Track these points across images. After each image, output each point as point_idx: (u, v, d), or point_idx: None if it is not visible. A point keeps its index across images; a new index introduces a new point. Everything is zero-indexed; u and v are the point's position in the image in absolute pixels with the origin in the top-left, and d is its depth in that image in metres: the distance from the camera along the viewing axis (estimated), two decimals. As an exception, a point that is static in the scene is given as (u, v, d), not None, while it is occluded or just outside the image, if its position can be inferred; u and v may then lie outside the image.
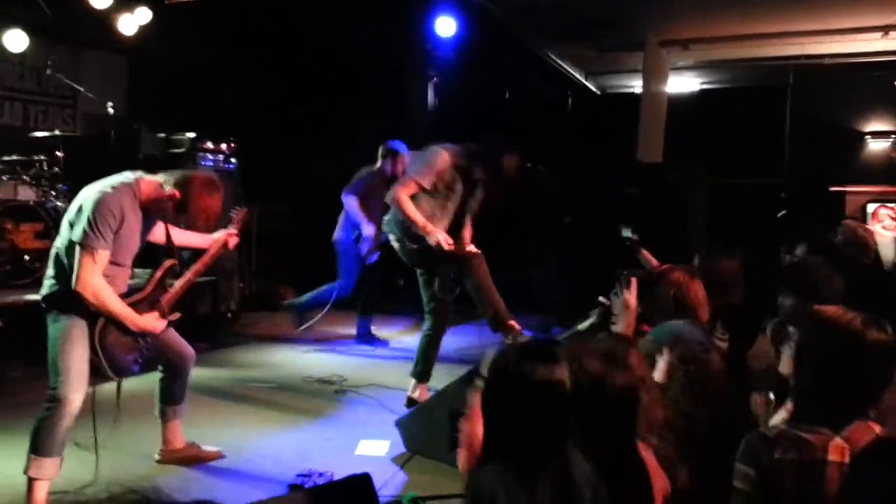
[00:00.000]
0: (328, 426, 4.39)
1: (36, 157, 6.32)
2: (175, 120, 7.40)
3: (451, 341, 6.84)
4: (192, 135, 6.99)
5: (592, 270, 6.13)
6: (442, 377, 5.04)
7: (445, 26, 7.48)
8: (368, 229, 5.99)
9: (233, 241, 3.77)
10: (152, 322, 3.32)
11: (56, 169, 6.31)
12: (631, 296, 3.08)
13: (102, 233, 3.02)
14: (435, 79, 8.34)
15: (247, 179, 7.51)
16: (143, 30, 7.41)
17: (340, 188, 6.52)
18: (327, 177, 8.81)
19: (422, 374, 4.72)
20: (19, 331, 5.32)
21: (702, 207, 8.22)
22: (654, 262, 5.08)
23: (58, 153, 6.34)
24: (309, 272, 8.28)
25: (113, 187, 3.12)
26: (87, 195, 3.10)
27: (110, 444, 3.62)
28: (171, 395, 3.66)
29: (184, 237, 3.68)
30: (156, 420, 3.71)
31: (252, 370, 5.64)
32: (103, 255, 3.05)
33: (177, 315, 3.54)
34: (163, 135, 7.14)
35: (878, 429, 1.80)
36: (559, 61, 9.66)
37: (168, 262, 3.45)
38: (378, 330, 6.98)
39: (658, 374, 2.57)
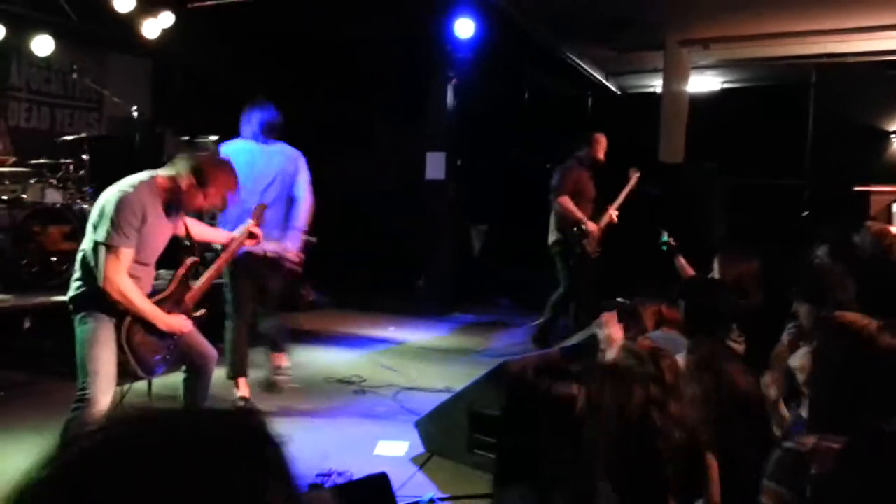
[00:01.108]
0: (347, 426, 4.43)
1: (63, 161, 6.45)
2: (198, 122, 7.49)
3: (467, 341, 6.89)
4: (215, 137, 7.06)
5: (611, 271, 6.16)
6: (460, 377, 5.08)
7: (464, 28, 7.51)
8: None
9: (253, 238, 3.80)
10: (180, 321, 3.37)
11: (82, 172, 6.43)
12: (612, 328, 3.10)
13: (126, 232, 3.07)
14: (454, 80, 8.37)
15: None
16: (167, 33, 7.51)
17: (362, 188, 6.55)
18: (349, 177, 8.90)
19: None
20: (47, 331, 5.45)
21: (723, 208, 8.18)
22: (690, 270, 5.01)
23: (84, 156, 6.46)
24: (329, 272, 8.37)
25: (133, 186, 3.17)
26: (109, 196, 3.16)
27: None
28: (194, 395, 3.71)
29: (205, 233, 3.73)
30: None
31: (267, 370, 5.69)
32: (127, 253, 3.11)
33: (202, 312, 3.60)
34: (187, 137, 7.23)
35: None
36: (579, 61, 9.64)
37: (190, 260, 3.50)
38: (398, 330, 7.04)
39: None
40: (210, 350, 3.69)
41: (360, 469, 3.45)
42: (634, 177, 6.19)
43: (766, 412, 2.77)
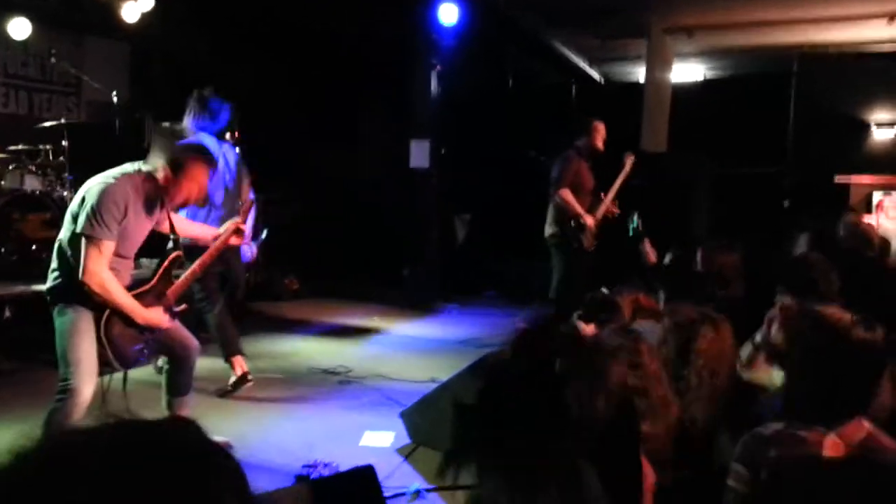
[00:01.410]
0: (333, 417, 4.43)
1: (42, 147, 6.35)
2: (179, 108, 7.37)
3: (453, 331, 6.90)
4: (195, 123, 6.98)
5: (596, 260, 6.18)
6: (445, 368, 5.09)
7: (448, 14, 7.46)
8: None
9: (239, 235, 3.79)
10: (158, 315, 3.34)
11: (61, 158, 6.34)
12: (586, 328, 3.17)
13: (108, 224, 3.05)
14: (438, 67, 8.31)
15: (251, 169, 7.51)
16: (146, 17, 7.39)
17: (346, 176, 6.52)
18: (332, 165, 8.85)
19: None
20: (29, 320, 5.38)
21: (706, 197, 8.23)
22: (653, 257, 5.06)
23: (63, 142, 6.36)
24: (314, 261, 8.35)
25: (115, 178, 3.14)
26: (91, 187, 3.13)
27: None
28: (177, 386, 3.69)
29: (189, 229, 3.70)
30: (163, 411, 3.75)
31: (257, 360, 5.66)
32: (109, 246, 3.08)
33: (184, 307, 3.58)
34: (167, 123, 7.14)
35: (869, 426, 1.83)
36: (562, 49, 9.64)
37: (174, 254, 3.48)
38: (383, 321, 7.03)
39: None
40: (192, 340, 3.67)
41: (345, 460, 3.45)
42: (629, 162, 6.16)
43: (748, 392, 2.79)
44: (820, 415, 1.84)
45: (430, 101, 8.31)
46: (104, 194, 3.07)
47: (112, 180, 3.12)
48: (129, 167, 3.25)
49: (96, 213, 3.03)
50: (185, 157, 3.31)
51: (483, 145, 10.07)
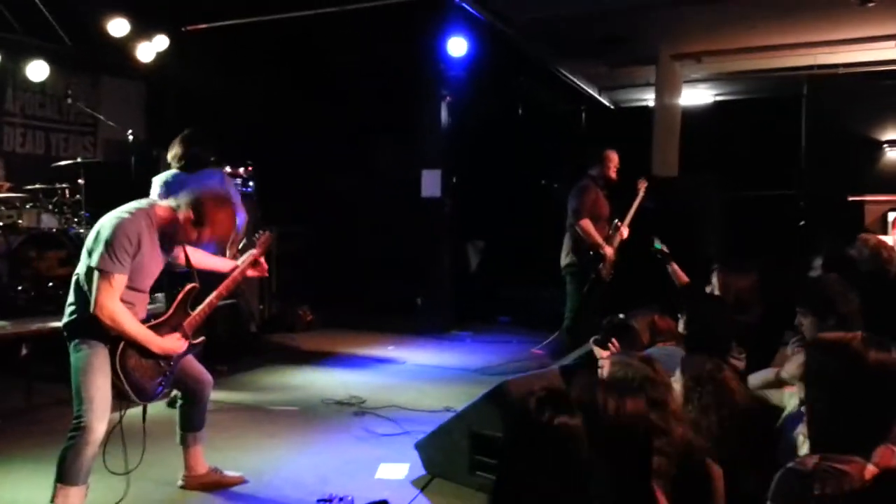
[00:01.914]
0: (348, 449, 4.40)
1: (58, 186, 6.45)
2: (193, 145, 7.50)
3: (467, 360, 6.86)
4: (210, 159, 7.06)
5: (612, 288, 6.15)
6: (460, 397, 5.06)
7: (457, 46, 7.55)
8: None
9: (258, 267, 3.79)
10: (173, 343, 3.34)
11: (78, 196, 6.43)
12: (602, 353, 3.17)
13: (119, 258, 3.06)
14: (448, 98, 8.40)
15: (265, 202, 7.59)
16: (161, 57, 7.54)
17: (358, 207, 6.57)
18: (344, 196, 8.91)
19: None
20: (45, 358, 5.42)
21: (718, 221, 8.19)
22: (683, 277, 5.05)
23: (79, 181, 6.46)
24: (327, 292, 8.37)
25: (129, 213, 3.17)
26: (105, 222, 3.16)
27: (136, 471, 3.65)
28: (191, 421, 3.69)
29: (204, 261, 3.72)
30: (177, 445, 3.75)
31: (271, 393, 5.67)
32: (120, 279, 3.09)
33: (201, 339, 3.58)
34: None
35: None
36: (571, 77, 9.70)
37: (189, 286, 3.48)
38: (397, 350, 7.01)
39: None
40: (205, 375, 3.67)
41: (361, 493, 3.42)
42: (643, 187, 6.17)
43: (766, 425, 2.76)
44: (846, 442, 1.79)
45: (441, 131, 8.39)
46: (118, 228, 3.10)
47: (126, 215, 3.16)
48: (143, 202, 3.29)
49: (109, 248, 3.06)
50: (209, 207, 3.30)
51: (494, 173, 10.12)
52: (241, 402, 5.40)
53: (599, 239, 5.84)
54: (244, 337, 6.89)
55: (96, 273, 3.07)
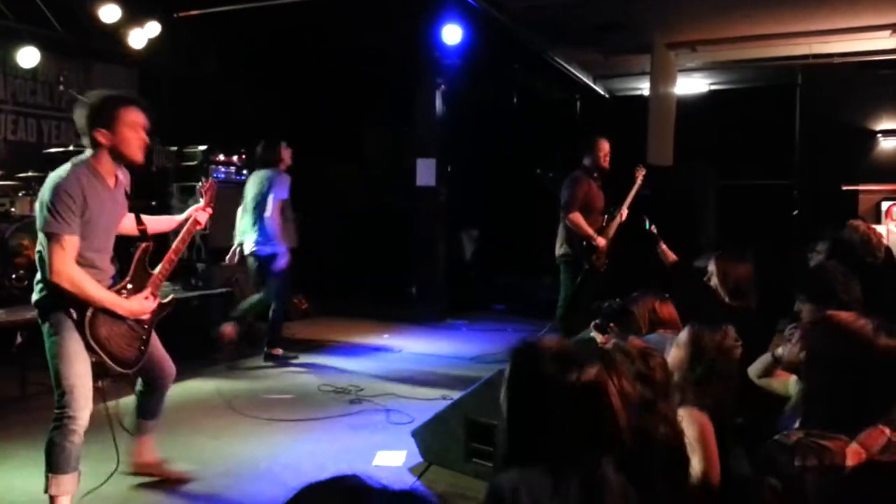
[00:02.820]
0: (345, 436, 4.41)
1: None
2: (186, 133, 7.47)
3: (463, 348, 6.88)
4: (203, 147, 7.05)
5: (608, 277, 6.16)
6: (456, 385, 5.07)
7: (452, 34, 7.52)
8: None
9: (203, 216, 3.61)
10: (141, 303, 3.23)
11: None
12: (602, 339, 3.20)
13: (65, 218, 2.92)
14: (442, 86, 8.37)
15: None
16: (153, 43, 7.47)
17: (353, 195, 6.57)
18: (339, 185, 8.89)
19: None
20: (39, 346, 5.38)
21: (713, 209, 8.22)
22: (672, 256, 5.10)
23: (72, 168, 6.40)
24: (323, 281, 8.36)
25: (66, 170, 3.02)
26: (44, 186, 3.01)
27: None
28: (147, 409, 3.60)
29: (154, 224, 3.59)
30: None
31: (268, 380, 5.68)
32: (71, 240, 2.94)
33: (170, 297, 3.50)
34: (175, 148, 7.20)
35: (889, 433, 1.81)
36: (566, 65, 9.66)
37: (143, 245, 3.35)
38: (393, 338, 7.01)
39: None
40: (170, 367, 3.56)
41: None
42: (640, 175, 6.18)
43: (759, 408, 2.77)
44: (840, 422, 1.83)
45: (436, 120, 8.37)
46: (56, 188, 2.94)
47: (62, 173, 3.00)
48: (77, 158, 3.11)
49: (52, 209, 2.91)
50: (111, 108, 3.10)
51: (489, 162, 10.10)
52: (237, 389, 5.40)
53: (590, 231, 5.85)
54: (240, 325, 6.87)
55: (44, 238, 2.94)
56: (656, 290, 3.43)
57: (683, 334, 2.58)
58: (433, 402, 4.84)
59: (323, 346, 6.86)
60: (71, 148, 6.80)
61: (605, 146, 6.01)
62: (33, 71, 7.51)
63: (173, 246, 3.47)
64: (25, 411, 4.63)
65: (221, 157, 7.19)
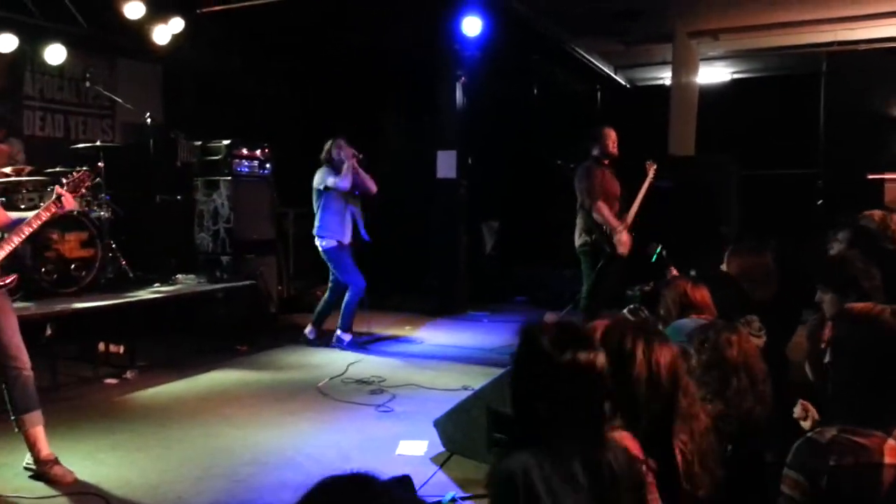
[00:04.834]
0: (367, 426, 4.46)
1: (78, 168, 6.49)
2: (210, 127, 7.56)
3: (484, 339, 6.91)
4: (227, 142, 7.13)
5: (623, 266, 6.15)
6: (477, 376, 5.11)
7: (472, 26, 7.51)
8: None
9: (67, 200, 3.56)
10: None
11: (98, 179, 6.49)
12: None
13: None
14: (463, 78, 8.37)
15: (282, 184, 7.64)
16: (177, 39, 7.55)
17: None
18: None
19: None
20: (68, 337, 5.52)
21: (736, 200, 8.15)
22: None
23: (99, 163, 6.52)
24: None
25: None
26: None
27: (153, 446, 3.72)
28: (15, 403, 3.50)
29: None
30: (203, 418, 3.71)
31: (291, 371, 5.75)
32: None
33: (12, 278, 3.48)
34: (199, 142, 7.30)
35: None
36: (587, 56, 9.62)
37: None
38: (414, 330, 7.06)
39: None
40: (20, 353, 3.49)
41: (382, 469, 3.46)
42: (651, 169, 6.15)
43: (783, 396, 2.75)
44: (872, 417, 1.78)
45: (456, 112, 8.37)
46: None
47: None
48: None
49: None
50: None
51: (510, 154, 10.09)
52: (261, 380, 5.49)
53: (615, 221, 5.85)
54: (263, 317, 6.97)
55: None
56: (690, 275, 3.39)
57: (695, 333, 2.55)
58: (455, 392, 4.88)
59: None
60: (98, 143, 6.92)
61: (611, 134, 6.03)
62: (60, 68, 7.63)
63: (17, 228, 3.45)
64: (56, 401, 4.73)
65: (244, 152, 7.26)
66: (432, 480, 3.61)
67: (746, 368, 2.39)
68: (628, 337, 2.01)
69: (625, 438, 1.86)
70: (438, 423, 4.07)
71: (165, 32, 7.44)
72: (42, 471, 3.52)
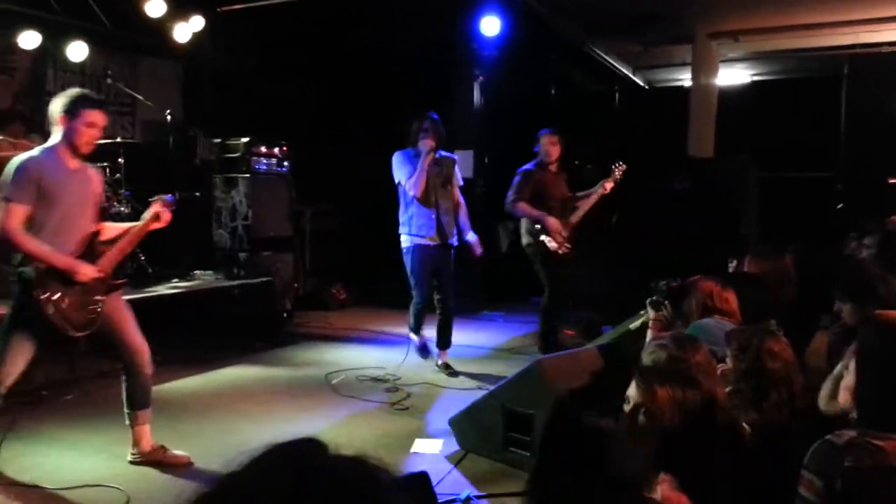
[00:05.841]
0: (383, 424, 4.47)
1: (99, 165, 6.56)
2: (229, 125, 7.60)
3: (499, 339, 6.90)
4: (245, 139, 7.16)
5: (639, 268, 6.12)
6: (492, 375, 5.11)
7: (490, 25, 7.51)
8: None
9: (165, 216, 3.76)
10: (85, 266, 3.41)
11: (118, 175, 6.56)
12: (654, 315, 3.24)
13: (19, 188, 3.27)
14: (481, 78, 8.38)
15: (300, 181, 7.67)
16: (197, 37, 7.61)
17: (391, 187, 6.62)
18: (377, 177, 8.94)
19: None
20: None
21: (755, 202, 8.10)
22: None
23: (119, 160, 6.58)
24: (360, 271, 8.45)
25: (33, 152, 3.43)
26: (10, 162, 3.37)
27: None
28: (132, 399, 3.66)
29: (111, 231, 3.77)
30: (217, 413, 3.76)
31: (306, 368, 5.78)
32: (19, 209, 3.27)
33: (124, 280, 3.75)
34: (218, 140, 7.34)
35: None
36: (605, 57, 9.60)
37: (94, 227, 3.60)
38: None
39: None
40: (143, 347, 3.64)
41: (398, 467, 3.48)
42: (618, 171, 6.09)
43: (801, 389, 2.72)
44: (892, 421, 1.78)
45: (473, 111, 8.38)
46: (18, 165, 3.32)
47: (27, 155, 3.39)
48: (46, 143, 3.49)
49: (10, 181, 3.29)
50: (78, 100, 3.44)
51: (526, 154, 10.06)
52: (276, 377, 5.52)
53: (537, 212, 5.89)
54: (279, 314, 7.01)
55: (2, 204, 3.28)
56: (717, 277, 3.36)
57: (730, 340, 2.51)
58: (470, 391, 4.89)
59: (360, 334, 6.95)
60: (119, 140, 6.99)
61: (550, 139, 6.23)
62: (82, 65, 7.70)
63: (128, 235, 3.69)
64: (73, 394, 4.79)
65: (263, 149, 7.29)
66: (447, 479, 3.62)
67: (787, 383, 2.33)
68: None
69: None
70: (453, 422, 4.08)
71: (186, 31, 7.50)
72: (157, 458, 3.67)
